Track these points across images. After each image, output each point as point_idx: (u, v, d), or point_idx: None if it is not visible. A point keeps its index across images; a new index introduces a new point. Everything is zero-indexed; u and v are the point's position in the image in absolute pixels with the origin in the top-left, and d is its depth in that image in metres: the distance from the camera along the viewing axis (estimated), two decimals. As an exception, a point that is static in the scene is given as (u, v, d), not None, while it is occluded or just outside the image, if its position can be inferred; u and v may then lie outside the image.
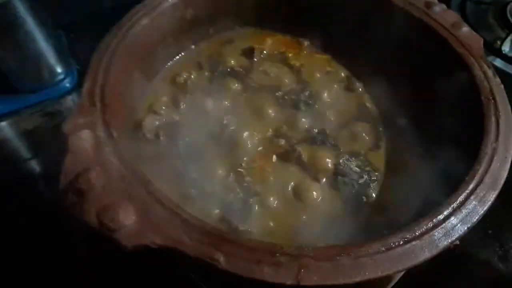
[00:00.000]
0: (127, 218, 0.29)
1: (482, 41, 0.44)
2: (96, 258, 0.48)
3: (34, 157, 0.62)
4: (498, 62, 0.72)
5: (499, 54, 0.72)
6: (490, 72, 0.41)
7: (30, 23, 0.62)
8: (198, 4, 0.49)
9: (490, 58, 0.73)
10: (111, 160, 0.32)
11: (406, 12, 0.47)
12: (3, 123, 0.65)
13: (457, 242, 0.30)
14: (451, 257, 0.46)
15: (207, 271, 0.34)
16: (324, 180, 0.42)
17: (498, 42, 0.73)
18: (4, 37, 0.61)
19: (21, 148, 0.65)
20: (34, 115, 0.67)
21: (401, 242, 0.29)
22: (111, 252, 0.43)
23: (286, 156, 0.43)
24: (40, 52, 0.66)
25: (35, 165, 0.61)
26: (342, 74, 0.51)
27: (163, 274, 0.46)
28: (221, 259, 0.28)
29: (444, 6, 0.47)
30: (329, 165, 0.43)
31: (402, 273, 0.45)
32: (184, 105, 0.47)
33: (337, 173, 0.42)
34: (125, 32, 0.42)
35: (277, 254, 0.28)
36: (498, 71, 0.67)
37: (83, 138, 0.33)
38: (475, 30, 0.45)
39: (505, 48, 0.72)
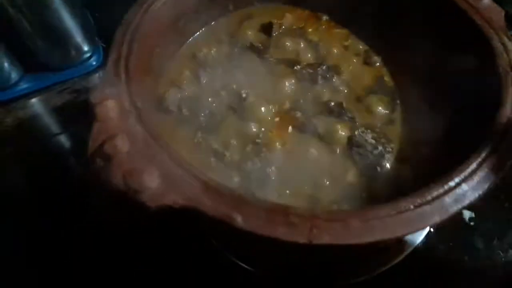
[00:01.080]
0: (151, 181, 0.31)
1: (503, 13, 0.44)
2: (121, 229, 0.50)
3: (63, 132, 0.65)
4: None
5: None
6: (510, 45, 0.41)
7: (57, 1, 0.64)
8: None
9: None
10: (136, 127, 0.34)
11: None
12: (33, 100, 0.68)
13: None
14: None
15: (224, 233, 0.36)
16: (339, 150, 0.43)
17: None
18: (32, 15, 0.63)
19: (51, 124, 0.67)
20: (62, 92, 0.69)
21: (412, 207, 0.30)
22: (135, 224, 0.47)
23: (303, 127, 0.44)
24: (66, 30, 0.68)
25: (64, 140, 0.64)
26: (360, 48, 0.52)
27: (185, 241, 0.49)
28: (238, 219, 0.29)
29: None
30: (345, 136, 0.44)
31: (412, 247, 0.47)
32: (205, 79, 0.48)
33: (352, 144, 0.43)
34: (147, 7, 0.43)
35: (291, 215, 0.30)
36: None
37: (109, 107, 0.35)
38: (498, 3, 0.44)
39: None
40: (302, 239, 0.29)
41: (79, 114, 0.66)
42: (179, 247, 0.48)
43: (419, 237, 0.50)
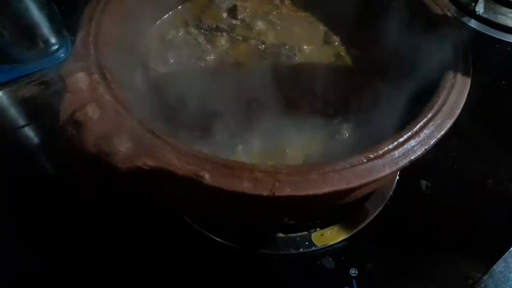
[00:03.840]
0: (122, 145, 0.32)
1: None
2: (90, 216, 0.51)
3: (30, 123, 0.64)
4: (473, 23, 0.76)
5: (473, 15, 0.76)
6: (450, 15, 0.44)
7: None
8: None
9: (465, 19, 0.76)
10: (106, 97, 0.35)
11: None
12: (0, 92, 0.68)
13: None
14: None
15: (191, 195, 0.38)
16: (302, 122, 0.46)
17: (473, 4, 0.76)
18: (-1, 7, 0.63)
19: (18, 115, 0.67)
20: (30, 84, 0.69)
21: (365, 160, 0.33)
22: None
23: (267, 102, 0.47)
24: (34, 22, 0.68)
25: (32, 131, 0.64)
26: (321, 28, 0.55)
27: (154, 215, 0.50)
28: (206, 176, 0.31)
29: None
30: (308, 110, 0.46)
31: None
32: (172, 59, 0.50)
33: (313, 117, 0.46)
34: (115, -12, 0.45)
35: (255, 171, 0.32)
36: (473, 32, 0.71)
37: (79, 79, 0.36)
38: None
39: (479, 9, 0.76)
40: (266, 192, 0.31)
41: (47, 105, 0.67)
42: (148, 221, 0.50)
43: (379, 206, 0.53)
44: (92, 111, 0.34)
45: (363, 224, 0.52)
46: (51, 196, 0.54)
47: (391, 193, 0.54)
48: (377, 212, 0.53)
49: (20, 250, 0.50)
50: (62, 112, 0.34)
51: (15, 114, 0.67)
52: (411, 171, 0.56)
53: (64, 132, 0.34)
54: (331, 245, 0.49)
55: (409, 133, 0.35)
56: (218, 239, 0.48)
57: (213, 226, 0.48)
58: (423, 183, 0.56)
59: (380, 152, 0.34)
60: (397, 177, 0.56)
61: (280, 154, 0.43)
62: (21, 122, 0.65)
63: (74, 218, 0.51)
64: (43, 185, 0.56)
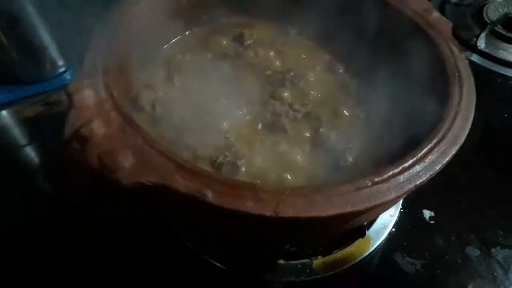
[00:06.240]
0: (126, 161, 0.32)
1: (450, 24, 0.49)
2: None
3: (32, 143, 0.65)
4: (475, 57, 0.78)
5: (475, 49, 0.77)
6: (456, 50, 0.45)
7: (34, 15, 0.65)
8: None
9: (467, 54, 0.78)
10: (111, 114, 0.36)
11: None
12: (4, 112, 0.68)
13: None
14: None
15: (192, 215, 0.37)
16: (305, 147, 0.46)
17: (474, 39, 0.78)
18: (9, 28, 0.64)
19: (21, 135, 0.67)
20: (35, 104, 0.70)
21: (370, 184, 0.33)
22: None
23: (272, 125, 0.47)
24: (42, 44, 0.69)
25: (33, 151, 0.64)
26: (324, 57, 0.56)
27: (157, 240, 0.50)
28: (209, 194, 0.31)
29: (417, -6, 0.52)
30: (310, 134, 0.47)
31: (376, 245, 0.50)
32: (178, 82, 0.51)
33: (317, 141, 0.46)
34: (124, 13, 0.46)
35: (259, 191, 0.31)
36: (475, 66, 0.73)
37: (86, 96, 0.36)
38: (454, 29, 0.49)
39: (480, 44, 0.77)
40: (269, 212, 0.30)
41: (51, 125, 0.67)
42: (148, 244, 0.50)
43: (381, 235, 0.52)
44: (97, 127, 0.34)
45: (366, 253, 0.51)
46: (50, 216, 0.53)
47: (394, 222, 0.53)
48: (380, 241, 0.52)
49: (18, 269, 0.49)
50: (67, 127, 0.34)
51: (18, 133, 0.68)
52: (414, 200, 0.55)
53: (68, 147, 0.34)
54: (332, 274, 0.48)
55: (414, 159, 0.35)
56: (218, 264, 0.48)
57: (213, 251, 0.48)
58: (426, 213, 0.55)
59: (385, 176, 0.33)
60: (400, 206, 0.55)
61: (283, 176, 0.43)
62: (23, 141, 0.65)
63: (71, 240, 0.50)
64: (41, 203, 0.55)
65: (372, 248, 0.51)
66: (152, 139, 0.34)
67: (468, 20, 0.85)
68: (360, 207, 0.32)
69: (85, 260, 0.49)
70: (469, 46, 0.78)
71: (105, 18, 0.45)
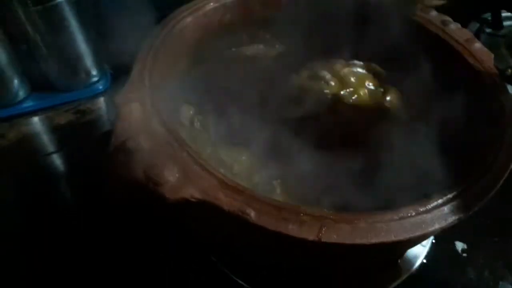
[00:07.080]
0: (171, 175, 0.32)
1: (492, 56, 0.49)
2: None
3: (61, 150, 0.66)
4: (509, 88, 0.76)
5: (510, 80, 0.76)
6: (498, 80, 0.45)
7: (74, 25, 0.68)
8: (234, 11, 0.55)
9: (505, 85, 0.77)
10: (158, 128, 0.36)
11: (425, 29, 0.52)
12: (36, 118, 0.71)
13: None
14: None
15: (230, 237, 0.37)
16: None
17: (510, 70, 0.77)
18: (49, 37, 0.67)
19: (51, 142, 0.69)
20: (67, 112, 0.72)
21: (413, 214, 0.32)
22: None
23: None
24: (79, 54, 0.72)
25: (62, 158, 0.65)
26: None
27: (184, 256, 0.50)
28: (252, 214, 0.31)
29: (458, 24, 0.52)
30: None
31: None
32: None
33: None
34: (172, 26, 0.47)
35: (301, 214, 0.31)
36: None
37: (133, 109, 0.37)
38: None
39: (515, 74, 0.76)
40: (311, 237, 0.30)
41: (82, 133, 0.69)
42: (174, 258, 0.50)
43: (413, 265, 0.51)
44: (144, 141, 0.34)
45: (395, 283, 0.49)
46: (71, 225, 0.54)
47: (426, 253, 0.52)
48: (410, 272, 0.51)
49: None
50: (113, 139, 0.35)
51: (47, 140, 0.69)
52: (447, 231, 0.54)
53: (114, 158, 0.35)
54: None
55: (459, 189, 0.34)
56: (246, 285, 0.47)
57: (243, 271, 0.47)
58: (459, 245, 0.54)
59: (429, 206, 0.33)
60: (432, 237, 0.54)
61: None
62: (51, 148, 0.67)
63: (92, 249, 0.51)
64: (63, 212, 0.56)
65: (402, 279, 0.50)
66: (196, 154, 0.35)
67: (503, 50, 0.84)
68: (403, 236, 0.31)
69: (112, 275, 0.49)
70: (504, 77, 0.77)
71: (155, 31, 0.46)
